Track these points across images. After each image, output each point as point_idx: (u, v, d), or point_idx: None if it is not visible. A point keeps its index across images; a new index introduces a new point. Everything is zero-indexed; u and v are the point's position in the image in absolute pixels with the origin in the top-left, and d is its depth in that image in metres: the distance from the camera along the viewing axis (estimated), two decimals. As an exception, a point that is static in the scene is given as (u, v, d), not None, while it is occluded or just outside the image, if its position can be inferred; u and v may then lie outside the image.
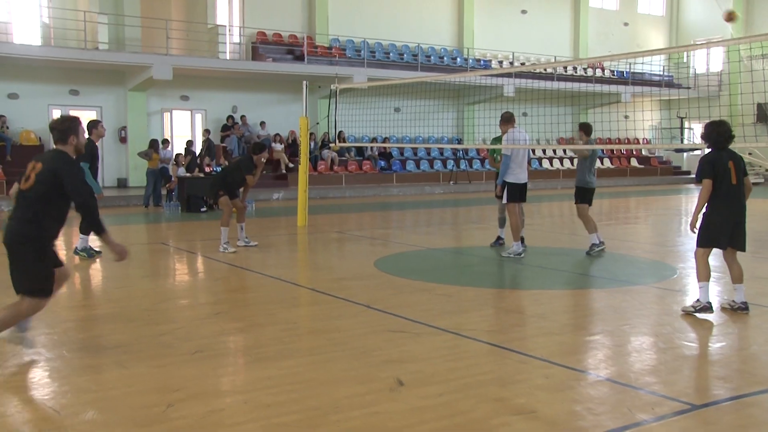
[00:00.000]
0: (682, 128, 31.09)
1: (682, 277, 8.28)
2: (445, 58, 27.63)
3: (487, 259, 9.74)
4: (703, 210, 6.32)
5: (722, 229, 6.23)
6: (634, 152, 32.27)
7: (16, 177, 19.46)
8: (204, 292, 7.64)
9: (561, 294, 7.53)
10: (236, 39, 23.99)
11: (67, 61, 19.66)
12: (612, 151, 31.24)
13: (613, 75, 31.57)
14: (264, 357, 5.07)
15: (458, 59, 27.98)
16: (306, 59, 23.38)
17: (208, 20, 22.24)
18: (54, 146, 5.18)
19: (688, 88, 31.68)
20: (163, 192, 17.98)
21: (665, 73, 33.50)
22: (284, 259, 10.32)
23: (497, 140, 10.25)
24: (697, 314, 6.15)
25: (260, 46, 23.68)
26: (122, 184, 21.68)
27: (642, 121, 30.91)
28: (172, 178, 17.55)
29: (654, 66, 32.72)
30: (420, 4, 27.98)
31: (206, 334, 5.66)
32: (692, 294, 7.60)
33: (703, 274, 6.27)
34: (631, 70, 31.39)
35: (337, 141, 16.96)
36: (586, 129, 9.93)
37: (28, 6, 20.94)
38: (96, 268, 9.30)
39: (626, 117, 29.03)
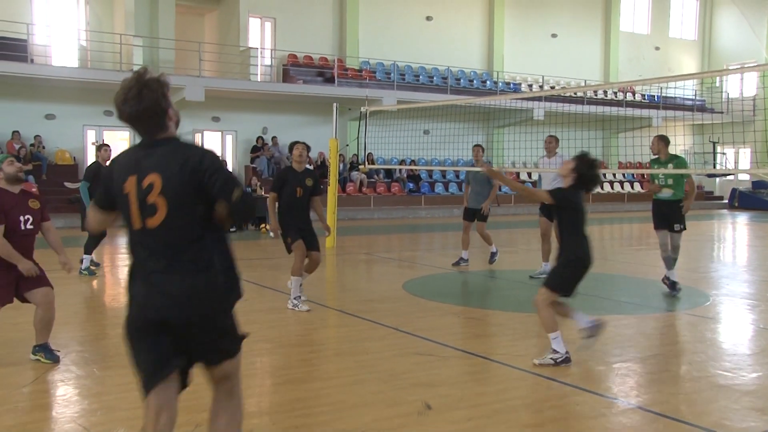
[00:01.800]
0: (714, 153, 30.68)
1: (715, 304, 8.12)
2: (474, 81, 27.69)
3: (517, 283, 9.66)
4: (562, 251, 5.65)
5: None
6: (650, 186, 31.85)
7: (50, 195, 19.77)
8: (233, 312, 7.66)
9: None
10: (267, 61, 24.30)
11: (102, 82, 20.05)
12: (642, 175, 30.91)
13: (644, 99, 31.33)
14: (292, 379, 5.06)
15: (488, 82, 28.02)
16: (336, 81, 23.59)
17: (241, 43, 22.57)
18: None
19: (721, 112, 31.32)
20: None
21: (697, 98, 33.17)
22: (312, 280, 10.32)
23: (657, 163, 8.94)
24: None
25: (291, 68, 23.96)
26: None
27: (674, 146, 30.49)
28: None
29: (686, 90, 32.43)
30: (450, 27, 28.13)
31: (235, 354, 5.67)
32: (726, 321, 7.46)
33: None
34: (663, 94, 31.14)
35: (366, 163, 17.02)
36: (666, 140, 8.92)
37: (67, 30, 21.46)
38: (123, 287, 9.40)
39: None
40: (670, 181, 8.58)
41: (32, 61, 19.27)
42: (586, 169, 5.46)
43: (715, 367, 5.48)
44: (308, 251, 7.60)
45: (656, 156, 8.87)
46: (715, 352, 5.95)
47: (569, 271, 5.56)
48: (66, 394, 4.77)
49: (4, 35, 19.29)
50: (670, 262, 8.58)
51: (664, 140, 8.85)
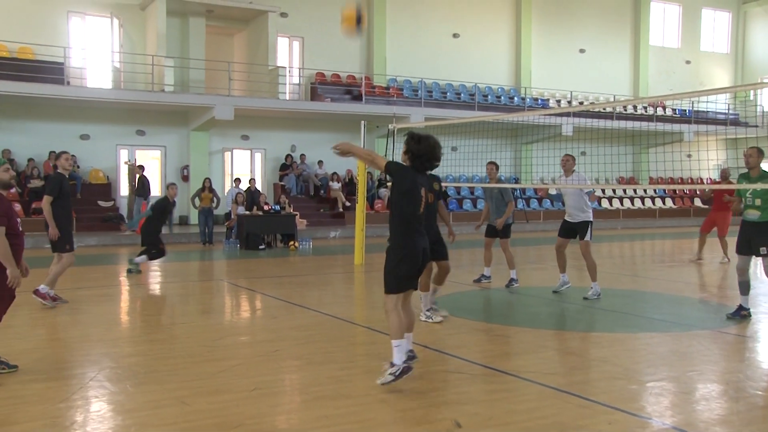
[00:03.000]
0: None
1: (752, 322, 7.95)
2: (502, 98, 27.64)
3: (545, 299, 9.57)
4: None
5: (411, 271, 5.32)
6: (698, 192, 31.44)
7: (85, 214, 20.12)
8: (262, 330, 7.70)
9: (623, 337, 7.31)
10: (296, 80, 24.54)
11: (135, 102, 20.44)
12: (674, 190, 30.53)
13: (675, 113, 30.99)
14: (321, 395, 5.06)
15: (515, 98, 27.95)
16: (364, 99, 23.72)
17: (269, 62, 22.84)
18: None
19: (756, 126, 30.82)
20: (217, 230, 18.35)
21: (730, 111, 32.71)
22: (341, 297, 10.35)
23: (746, 179, 8.04)
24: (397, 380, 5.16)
25: (319, 86, 24.16)
26: (184, 221, 22.21)
27: (707, 161, 30.13)
28: (232, 216, 17.90)
29: (719, 104, 32.01)
30: (477, 44, 28.17)
31: (264, 372, 5.69)
32: (765, 340, 7.29)
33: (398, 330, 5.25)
34: (694, 109, 30.78)
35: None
36: (764, 154, 7.98)
37: (102, 52, 21.93)
38: (157, 304, 9.51)
39: (689, 156, 28.35)
40: (758, 202, 7.67)
41: (68, 83, 19.72)
42: (413, 145, 5.32)
43: (754, 388, 5.35)
44: (437, 261, 7.40)
45: (747, 171, 7.96)
46: (753, 372, 5.81)
47: (397, 267, 5.28)
48: (100, 410, 4.82)
49: (43, 59, 19.79)
50: (744, 287, 7.97)
51: (762, 154, 7.86)
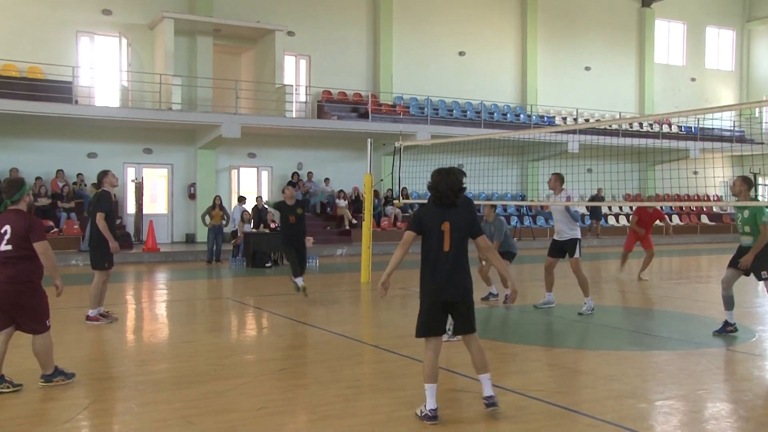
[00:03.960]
0: (756, 184, 30.07)
1: (761, 340, 7.90)
2: (508, 115, 27.70)
3: (554, 318, 9.53)
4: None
5: (431, 311, 5.08)
6: (705, 209, 31.38)
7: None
8: (268, 348, 7.69)
9: (632, 355, 7.27)
10: (302, 98, 24.66)
11: (142, 121, 20.55)
12: (681, 207, 30.45)
13: (681, 131, 30.98)
14: (328, 415, 5.04)
15: (521, 116, 28.01)
16: (370, 117, 23.80)
17: (276, 80, 22.97)
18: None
19: (762, 143, 30.79)
20: (225, 247, 18.35)
21: (736, 128, 32.70)
22: (348, 315, 10.33)
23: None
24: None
25: (326, 104, 24.27)
26: (190, 239, 22.25)
27: (713, 178, 30.06)
28: (239, 234, 17.92)
29: (724, 121, 32.01)
30: (483, 61, 28.29)
31: (271, 390, 5.68)
32: (773, 358, 7.24)
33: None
34: (700, 126, 30.77)
35: (400, 197, 17.07)
36: (749, 182, 8.10)
37: (110, 71, 22.11)
38: (162, 323, 9.51)
39: (695, 173, 28.30)
40: (747, 228, 7.89)
41: (76, 102, 19.85)
42: (432, 181, 5.20)
43: (764, 407, 5.30)
44: None
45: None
46: (763, 391, 5.76)
47: (422, 309, 5.15)
48: (106, 430, 4.81)
49: (52, 78, 19.96)
50: (728, 302, 8.08)
51: (746, 182, 8.03)
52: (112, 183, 9.02)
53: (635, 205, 13.93)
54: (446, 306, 5.05)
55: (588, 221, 26.73)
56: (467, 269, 5.09)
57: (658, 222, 13.82)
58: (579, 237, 9.75)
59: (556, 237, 9.92)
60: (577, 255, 9.64)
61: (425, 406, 4.91)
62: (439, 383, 5.89)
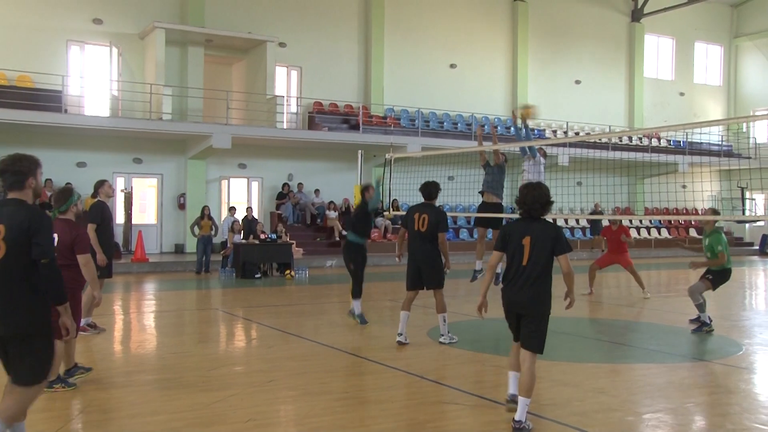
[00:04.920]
0: (743, 199, 30.33)
1: (748, 353, 7.94)
2: (498, 128, 27.82)
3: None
4: None
5: (507, 318, 5.33)
6: (693, 223, 31.57)
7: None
8: (257, 359, 7.66)
9: (620, 368, 7.29)
10: (293, 109, 24.69)
11: (132, 131, 20.50)
12: (669, 221, 30.61)
13: (670, 145, 31.22)
14: (317, 427, 5.02)
15: (512, 129, 28.11)
16: (361, 128, 23.85)
17: (267, 91, 22.99)
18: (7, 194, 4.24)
19: (749, 158, 31.05)
20: (215, 258, 18.30)
21: (724, 143, 32.97)
22: (337, 326, 10.30)
23: (704, 234, 9.73)
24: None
25: (316, 115, 24.30)
26: (179, 249, 22.16)
27: (701, 192, 30.29)
28: (228, 244, 17.87)
29: (712, 136, 32.28)
30: (474, 74, 28.43)
31: (259, 402, 5.65)
32: (760, 372, 7.28)
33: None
34: (689, 140, 31.01)
35: (391, 209, 17.08)
36: (715, 212, 10.17)
37: (100, 80, 22.06)
38: (150, 333, 9.45)
39: (684, 187, 28.51)
40: (708, 254, 9.32)
41: (66, 111, 19.78)
42: (519, 195, 5.43)
43: (750, 420, 5.33)
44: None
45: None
46: (749, 404, 5.79)
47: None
48: (91, 441, 4.78)
49: (41, 87, 19.89)
50: (701, 307, 9.35)
51: (713, 213, 9.88)
52: (108, 194, 9.00)
53: (626, 218, 13.94)
54: (518, 316, 5.21)
55: (590, 234, 26.83)
56: (543, 285, 5.09)
57: (623, 237, 13.81)
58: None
59: None
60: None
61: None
62: (426, 395, 5.90)
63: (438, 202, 8.96)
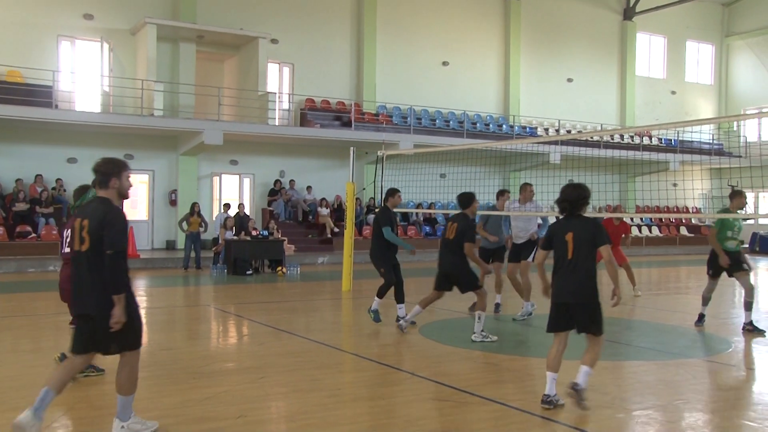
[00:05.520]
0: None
1: (737, 351, 7.99)
2: (491, 126, 27.85)
3: (534, 328, 9.57)
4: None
5: (553, 310, 5.66)
6: (684, 221, 31.71)
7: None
8: (249, 356, 7.65)
9: (610, 365, 7.31)
10: (285, 106, 24.64)
11: (123, 126, 20.41)
12: (660, 219, 30.74)
13: (661, 143, 31.34)
14: (308, 424, 5.02)
15: (504, 126, 28.18)
16: (353, 125, 23.83)
17: (259, 88, 22.93)
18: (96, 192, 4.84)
19: (740, 156, 31.21)
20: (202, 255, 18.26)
21: (715, 142, 33.13)
22: (329, 323, 10.31)
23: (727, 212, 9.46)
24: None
25: (308, 112, 24.26)
26: (171, 246, 22.10)
27: (692, 190, 30.44)
28: (219, 241, 17.84)
29: (703, 134, 32.42)
30: (466, 72, 28.44)
31: (250, 399, 5.64)
32: (749, 369, 7.32)
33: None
34: (680, 138, 31.14)
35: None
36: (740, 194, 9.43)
37: (91, 76, 21.94)
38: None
39: (675, 185, 28.63)
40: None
41: (56, 106, 19.68)
42: (561, 194, 5.76)
43: (739, 417, 5.36)
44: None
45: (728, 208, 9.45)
46: (738, 401, 5.82)
47: (550, 308, 5.84)
48: (81, 437, 4.76)
49: (32, 82, 19.77)
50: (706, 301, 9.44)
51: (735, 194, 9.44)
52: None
53: (615, 216, 13.92)
54: (567, 307, 5.54)
55: None
56: (589, 276, 5.52)
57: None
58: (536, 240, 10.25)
59: (514, 240, 10.40)
60: (530, 259, 10.10)
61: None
62: (418, 392, 5.91)
63: (429, 200, 9.09)
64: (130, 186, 4.96)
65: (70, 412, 5.26)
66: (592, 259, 5.52)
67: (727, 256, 8.95)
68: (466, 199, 8.57)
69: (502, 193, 11.06)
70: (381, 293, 9.41)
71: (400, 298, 9.41)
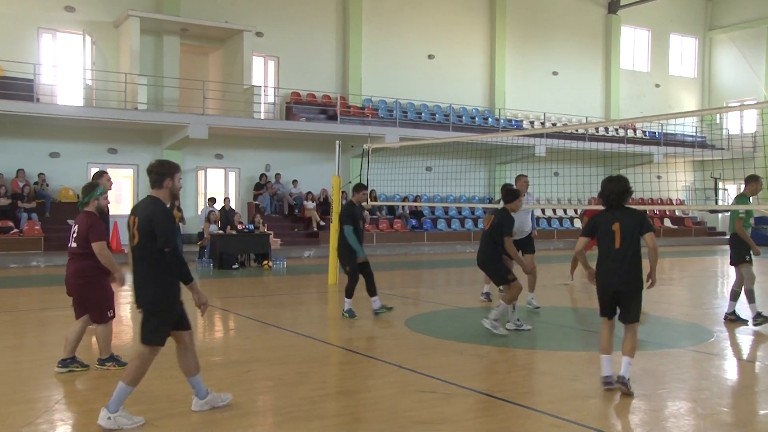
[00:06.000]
0: (716, 189, 30.76)
1: (719, 340, 8.07)
2: (476, 119, 27.90)
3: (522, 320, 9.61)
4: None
5: (602, 298, 5.93)
6: (668, 213, 31.96)
7: (54, 233, 19.60)
8: (235, 350, 7.64)
9: (595, 356, 7.35)
10: (271, 99, 24.54)
11: (107, 121, 20.25)
12: (644, 211, 30.96)
13: (645, 136, 31.54)
14: (294, 417, 5.03)
15: (489, 119, 28.24)
16: (339, 119, 23.79)
17: (244, 81, 22.82)
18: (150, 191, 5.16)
19: (722, 149, 31.48)
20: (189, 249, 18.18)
21: (698, 134, 33.39)
22: (315, 317, 10.31)
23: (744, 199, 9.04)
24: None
25: (294, 106, 24.18)
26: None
27: (675, 182, 30.67)
28: (205, 235, 17.77)
29: (687, 127, 32.66)
30: (452, 65, 28.46)
31: (237, 393, 5.64)
32: (730, 358, 7.41)
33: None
34: (664, 131, 31.34)
35: (368, 200, 17.08)
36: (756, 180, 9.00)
37: (73, 69, 21.74)
38: (126, 325, 9.38)
39: (659, 177, 28.83)
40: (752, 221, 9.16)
41: (38, 100, 19.47)
42: (602, 188, 5.97)
43: (720, 405, 5.43)
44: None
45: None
46: (720, 390, 5.89)
47: (598, 295, 6.07)
48: (66, 432, 4.74)
49: (12, 75, 19.55)
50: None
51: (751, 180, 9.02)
52: (106, 186, 8.67)
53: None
54: (617, 294, 5.80)
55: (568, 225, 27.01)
56: (637, 264, 5.79)
57: None
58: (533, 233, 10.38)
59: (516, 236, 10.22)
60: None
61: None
62: (404, 384, 5.93)
63: (416, 193, 9.11)
64: (181, 187, 5.23)
65: (57, 405, 5.24)
66: (638, 247, 5.79)
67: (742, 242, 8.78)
68: (510, 195, 8.34)
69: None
70: (349, 293, 9.37)
71: (371, 291, 9.46)
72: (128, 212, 8.83)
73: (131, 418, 4.80)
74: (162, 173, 5.04)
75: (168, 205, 5.05)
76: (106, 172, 8.80)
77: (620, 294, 5.79)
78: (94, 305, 6.37)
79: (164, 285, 4.92)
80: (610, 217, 5.85)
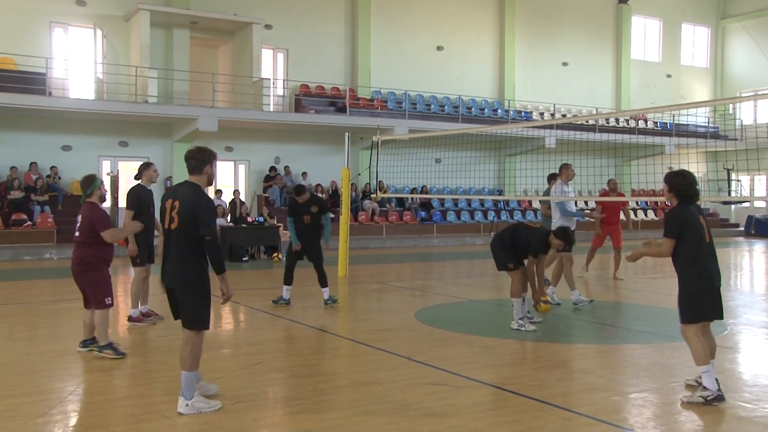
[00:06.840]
0: (729, 180, 30.51)
1: (733, 333, 8.01)
2: (485, 110, 27.80)
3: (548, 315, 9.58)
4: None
5: (711, 296, 5.51)
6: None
7: (67, 226, 19.68)
8: (245, 342, 7.66)
9: (606, 349, 7.34)
10: (280, 92, 24.52)
11: (118, 114, 20.31)
12: (656, 203, 30.79)
13: (657, 126, 31.32)
14: (304, 409, 5.03)
15: (499, 111, 28.12)
16: (348, 111, 23.75)
17: (254, 74, 22.81)
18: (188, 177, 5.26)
19: (735, 139, 31.22)
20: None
21: (710, 125, 33.12)
22: (324, 309, 10.31)
23: None
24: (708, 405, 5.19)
25: (303, 98, 24.16)
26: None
27: (687, 173, 30.42)
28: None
29: (699, 117, 32.41)
30: (461, 56, 28.34)
31: (247, 385, 5.65)
32: (745, 351, 7.36)
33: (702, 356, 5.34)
34: (675, 122, 31.11)
35: (378, 191, 17.07)
36: None
37: (85, 63, 21.80)
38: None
39: (670, 168, 28.60)
40: None
41: (50, 93, 19.55)
42: (679, 184, 5.60)
43: (735, 399, 5.38)
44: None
45: None
46: (734, 383, 5.85)
47: (694, 296, 5.50)
48: (80, 424, 4.77)
49: (24, 69, 19.63)
50: None
51: None
52: (151, 178, 8.47)
53: (610, 200, 13.91)
54: (719, 291, 5.50)
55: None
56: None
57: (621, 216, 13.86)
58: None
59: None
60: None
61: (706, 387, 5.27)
62: (413, 376, 5.93)
63: (425, 185, 9.10)
64: (216, 174, 5.35)
65: (70, 396, 5.26)
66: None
67: None
68: (564, 237, 8.34)
69: (553, 177, 11.03)
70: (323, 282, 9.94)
71: (322, 282, 10.02)
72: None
73: (208, 402, 4.97)
74: (202, 159, 5.15)
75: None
76: (152, 164, 8.71)
77: (719, 290, 5.47)
78: (93, 291, 6.61)
79: (200, 269, 5.02)
80: (694, 211, 5.47)
